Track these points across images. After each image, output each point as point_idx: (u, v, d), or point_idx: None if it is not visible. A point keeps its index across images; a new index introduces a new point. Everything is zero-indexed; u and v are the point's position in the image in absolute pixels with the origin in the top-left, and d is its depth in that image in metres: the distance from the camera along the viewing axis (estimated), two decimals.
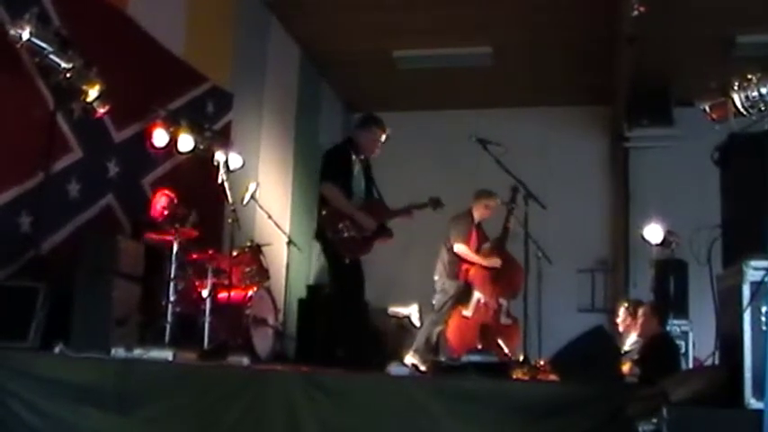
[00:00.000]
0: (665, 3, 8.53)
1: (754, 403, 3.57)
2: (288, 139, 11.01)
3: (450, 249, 8.09)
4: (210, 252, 7.23)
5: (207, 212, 7.66)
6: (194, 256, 7.12)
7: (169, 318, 6.50)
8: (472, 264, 8.04)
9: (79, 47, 6.18)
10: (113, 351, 5.37)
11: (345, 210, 6.39)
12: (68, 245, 6.46)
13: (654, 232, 9.36)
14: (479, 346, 7.45)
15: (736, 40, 9.70)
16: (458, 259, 8.07)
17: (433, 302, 8.20)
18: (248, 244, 7.81)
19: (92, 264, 5.85)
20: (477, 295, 7.95)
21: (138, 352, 5.39)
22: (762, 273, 3.63)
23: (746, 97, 4.16)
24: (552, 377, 5.53)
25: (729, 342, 3.88)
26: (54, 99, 6.35)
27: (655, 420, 3.70)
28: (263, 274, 7.84)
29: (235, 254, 7.38)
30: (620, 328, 8.06)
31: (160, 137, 7.49)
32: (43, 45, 5.89)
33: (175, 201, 7.24)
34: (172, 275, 6.60)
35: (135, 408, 4.86)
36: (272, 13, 10.26)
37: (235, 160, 8.17)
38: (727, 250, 4.16)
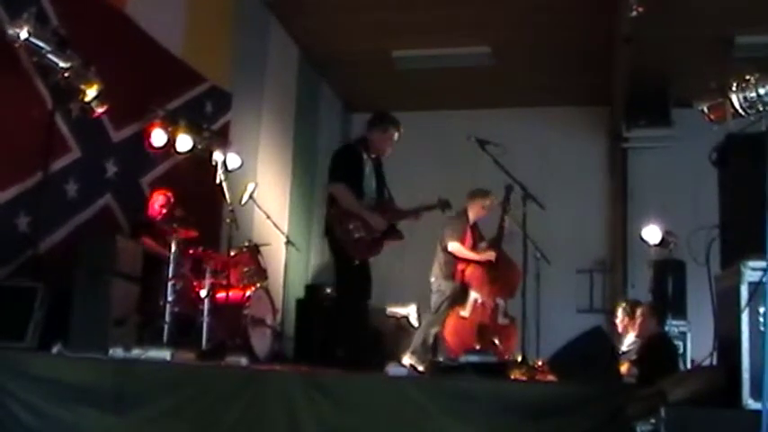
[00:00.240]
0: (664, 3, 8.53)
1: (751, 404, 3.57)
2: (287, 139, 11.00)
3: (445, 249, 8.08)
4: (209, 252, 7.23)
5: (205, 212, 7.66)
6: (192, 255, 7.11)
7: (167, 318, 6.50)
8: (467, 262, 8.02)
9: (77, 46, 6.18)
10: (111, 351, 5.38)
11: (355, 210, 6.28)
12: (66, 245, 6.46)
13: (652, 233, 9.37)
14: (477, 347, 7.44)
15: (735, 41, 9.70)
16: (453, 259, 8.06)
17: (430, 303, 8.20)
18: (246, 244, 7.81)
19: (90, 264, 5.85)
20: (473, 295, 7.93)
21: (136, 352, 5.39)
22: (760, 273, 3.62)
23: (745, 98, 4.16)
24: (550, 377, 5.53)
25: (727, 342, 3.89)
26: (52, 99, 6.36)
27: (653, 421, 3.70)
28: (261, 274, 7.83)
29: (233, 254, 7.39)
30: (619, 329, 8.06)
31: (158, 137, 7.49)
32: (41, 44, 5.90)
33: (172, 199, 7.24)
34: (170, 275, 6.60)
35: (133, 408, 4.85)
36: (272, 13, 10.25)
37: (233, 160, 8.17)
38: (726, 251, 4.17)
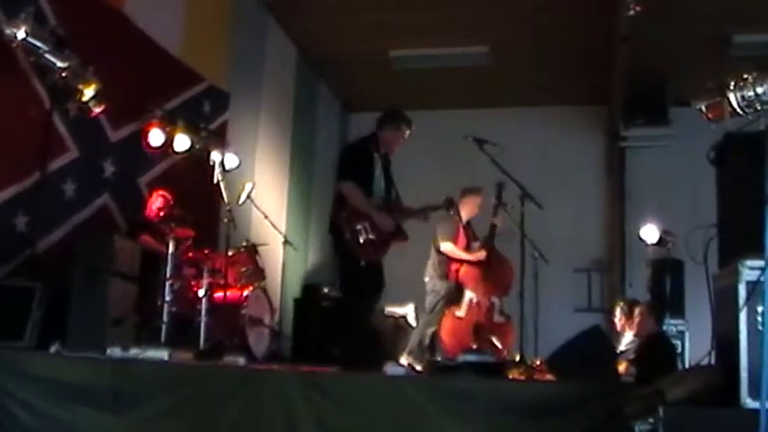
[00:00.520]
0: (662, 2, 8.54)
1: (749, 403, 3.58)
2: (284, 139, 11.00)
3: (438, 249, 8.07)
4: (206, 252, 7.23)
5: (203, 212, 7.66)
6: (190, 255, 7.11)
7: (165, 317, 6.49)
8: (460, 262, 8.02)
9: (75, 46, 6.17)
10: (109, 351, 5.38)
11: (364, 210, 6.14)
12: (64, 244, 6.45)
13: (650, 232, 9.37)
14: (474, 346, 7.45)
15: (733, 40, 9.71)
16: (447, 259, 8.06)
17: (426, 304, 8.20)
18: (244, 244, 7.81)
19: (88, 263, 5.85)
20: (468, 295, 7.92)
21: (134, 352, 5.39)
22: (757, 272, 3.63)
23: (742, 97, 4.16)
24: (549, 377, 5.53)
25: (725, 342, 3.89)
26: (50, 98, 6.35)
27: (651, 420, 3.71)
28: (258, 273, 7.83)
29: (231, 254, 7.38)
30: (617, 328, 8.07)
31: (156, 136, 7.49)
32: (39, 44, 5.90)
33: (171, 201, 7.24)
34: (168, 275, 6.59)
35: (131, 407, 4.85)
36: (270, 14, 10.25)
37: (231, 160, 8.16)
38: (723, 250, 4.17)
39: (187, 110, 8.15)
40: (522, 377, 5.90)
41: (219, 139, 8.44)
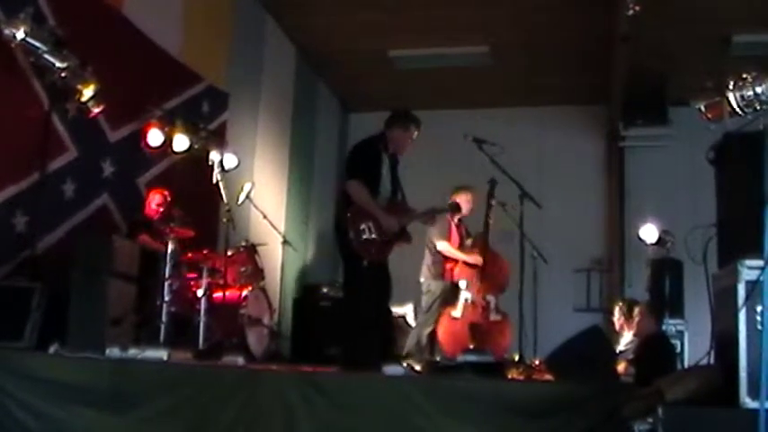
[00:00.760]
0: (662, 2, 8.54)
1: (749, 403, 3.57)
2: (284, 138, 11.00)
3: (433, 249, 8.07)
4: (205, 252, 7.23)
5: (202, 212, 7.66)
6: (189, 255, 7.11)
7: (164, 317, 6.49)
8: (455, 261, 8.02)
9: (74, 46, 6.17)
10: (108, 351, 5.37)
11: (370, 210, 6.09)
12: (64, 245, 6.45)
13: (649, 232, 9.37)
14: (471, 346, 7.45)
15: (732, 40, 9.71)
16: (441, 259, 8.06)
17: (422, 304, 8.21)
18: (243, 244, 7.82)
19: (87, 264, 5.84)
20: (464, 295, 7.92)
21: (133, 352, 5.38)
22: (757, 272, 3.63)
23: (742, 96, 4.15)
24: (548, 377, 5.53)
25: (724, 341, 3.89)
26: (49, 99, 6.35)
27: (650, 420, 3.71)
28: (258, 273, 7.84)
29: (230, 253, 7.39)
30: (616, 328, 8.07)
31: (155, 136, 7.48)
32: (38, 44, 5.89)
33: (169, 198, 7.24)
34: (167, 275, 6.59)
35: (130, 408, 4.85)
36: (269, 13, 10.25)
37: (230, 160, 8.15)
38: (723, 250, 4.17)
39: (186, 110, 8.14)
40: (522, 377, 5.90)
41: (218, 139, 8.44)
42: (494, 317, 7.98)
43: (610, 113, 11.98)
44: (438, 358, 7.59)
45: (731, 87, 4.19)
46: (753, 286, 3.64)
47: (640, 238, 9.54)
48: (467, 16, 9.93)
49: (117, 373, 4.97)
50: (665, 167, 11.57)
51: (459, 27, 10.22)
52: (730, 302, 3.75)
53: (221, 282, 7.13)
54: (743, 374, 3.61)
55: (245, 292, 7.42)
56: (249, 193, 8.07)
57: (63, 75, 6.14)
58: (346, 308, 6.49)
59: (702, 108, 4.41)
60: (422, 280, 8.17)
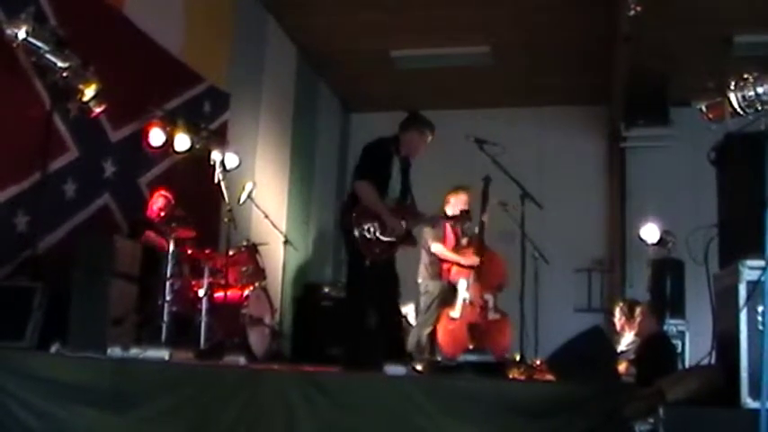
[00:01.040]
0: (663, 2, 8.53)
1: (750, 403, 3.57)
2: (285, 138, 11.00)
3: (428, 250, 8.07)
4: (207, 251, 7.23)
5: (203, 212, 7.66)
6: (191, 255, 7.11)
7: (165, 317, 6.48)
8: (451, 263, 8.02)
9: (76, 46, 6.17)
10: (110, 350, 5.37)
11: (377, 211, 6.09)
12: (65, 245, 6.45)
13: (650, 232, 9.37)
14: (471, 346, 7.45)
15: (734, 40, 9.70)
16: (438, 260, 8.06)
17: (420, 305, 8.20)
18: (245, 243, 7.82)
19: (88, 263, 5.83)
20: (462, 295, 7.92)
21: (134, 351, 5.38)
22: (758, 272, 3.63)
23: (743, 97, 4.16)
24: (549, 377, 5.53)
25: (726, 342, 3.89)
26: (50, 98, 6.34)
27: (651, 420, 3.71)
28: (259, 273, 7.84)
29: (231, 253, 7.39)
30: (617, 328, 8.06)
31: (157, 136, 7.48)
32: (39, 44, 5.88)
33: (172, 200, 7.24)
34: (168, 275, 6.59)
35: (131, 407, 4.85)
36: (270, 13, 10.26)
37: (231, 160, 8.15)
38: (724, 250, 4.17)
39: (187, 110, 8.14)
40: (523, 377, 5.90)
41: (220, 138, 8.44)
42: (492, 316, 7.96)
43: (611, 114, 11.98)
44: (439, 358, 7.58)
45: (732, 88, 4.19)
46: (754, 286, 3.64)
47: (641, 239, 9.54)
48: (468, 16, 9.93)
49: (118, 372, 4.98)
50: (667, 168, 11.56)
51: (460, 27, 10.22)
52: (731, 303, 3.75)
53: (223, 281, 7.14)
54: (744, 375, 3.61)
55: (246, 292, 7.42)
56: (250, 192, 8.07)
57: (64, 75, 6.14)
58: (348, 307, 6.50)
59: (704, 108, 4.41)
60: (419, 280, 8.17)
